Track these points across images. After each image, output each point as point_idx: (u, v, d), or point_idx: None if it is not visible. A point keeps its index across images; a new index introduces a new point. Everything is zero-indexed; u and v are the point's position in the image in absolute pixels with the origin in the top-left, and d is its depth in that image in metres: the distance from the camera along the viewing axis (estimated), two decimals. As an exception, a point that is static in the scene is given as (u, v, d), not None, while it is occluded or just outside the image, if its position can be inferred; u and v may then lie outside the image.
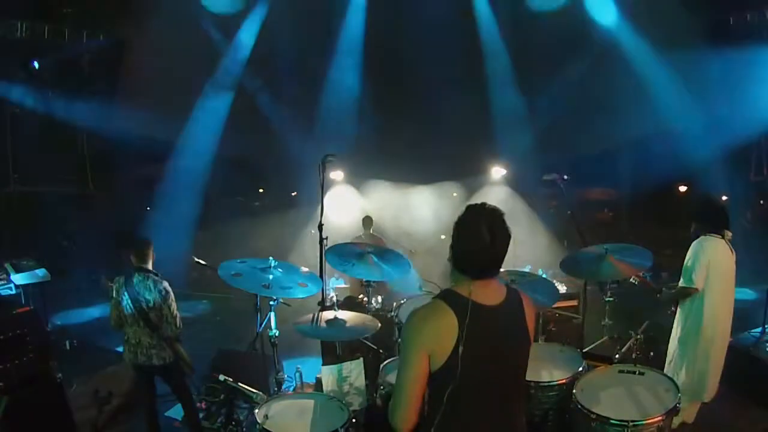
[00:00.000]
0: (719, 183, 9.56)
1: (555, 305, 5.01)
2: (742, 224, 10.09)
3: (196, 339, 7.05)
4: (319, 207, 4.75)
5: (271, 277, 3.67)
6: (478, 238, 2.01)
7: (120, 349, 4.49)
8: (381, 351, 4.24)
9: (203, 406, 4.45)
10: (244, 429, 3.60)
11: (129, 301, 3.99)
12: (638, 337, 3.46)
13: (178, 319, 4.11)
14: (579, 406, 3.01)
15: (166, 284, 4.09)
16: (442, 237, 9.19)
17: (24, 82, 9.27)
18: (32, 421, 3.86)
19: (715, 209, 4.15)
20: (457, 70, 9.70)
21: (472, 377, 1.96)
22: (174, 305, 4.09)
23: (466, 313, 1.95)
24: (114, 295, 4.09)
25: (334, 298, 6.08)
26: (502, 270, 2.11)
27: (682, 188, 11.15)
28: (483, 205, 2.10)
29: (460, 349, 1.93)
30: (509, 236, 2.07)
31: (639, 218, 11.48)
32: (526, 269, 6.10)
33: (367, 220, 8.09)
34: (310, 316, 3.68)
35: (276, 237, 10.38)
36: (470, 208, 2.10)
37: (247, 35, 9.86)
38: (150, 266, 4.16)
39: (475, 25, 9.72)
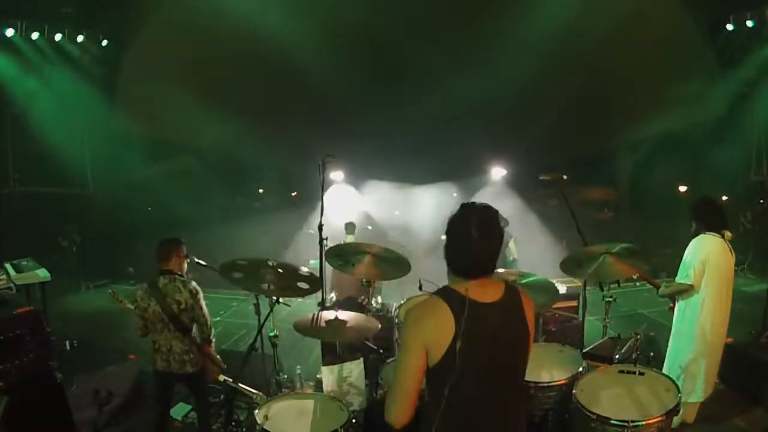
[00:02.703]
0: (719, 183, 9.57)
1: (555, 305, 5.05)
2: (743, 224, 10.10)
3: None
4: (319, 207, 4.75)
5: (270, 277, 3.67)
6: (468, 237, 2.02)
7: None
8: (381, 351, 4.23)
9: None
10: (244, 429, 3.59)
11: (158, 306, 3.83)
12: (638, 337, 3.45)
13: (209, 320, 3.99)
14: (579, 407, 3.01)
15: (194, 284, 3.96)
16: (443, 237, 9.16)
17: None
18: (32, 421, 3.84)
19: (714, 209, 4.18)
20: (458, 69, 9.68)
21: (471, 373, 1.97)
22: (204, 305, 3.96)
23: (462, 309, 1.96)
24: (138, 302, 3.92)
25: (334, 298, 6.10)
26: (501, 271, 2.11)
27: (682, 188, 11.14)
28: (474, 203, 2.11)
29: (458, 345, 1.93)
30: (501, 234, 2.09)
31: (639, 218, 11.47)
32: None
33: (350, 226, 7.93)
34: (310, 316, 3.67)
35: (276, 237, 10.40)
36: (461, 207, 2.11)
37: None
38: (175, 268, 3.98)
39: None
